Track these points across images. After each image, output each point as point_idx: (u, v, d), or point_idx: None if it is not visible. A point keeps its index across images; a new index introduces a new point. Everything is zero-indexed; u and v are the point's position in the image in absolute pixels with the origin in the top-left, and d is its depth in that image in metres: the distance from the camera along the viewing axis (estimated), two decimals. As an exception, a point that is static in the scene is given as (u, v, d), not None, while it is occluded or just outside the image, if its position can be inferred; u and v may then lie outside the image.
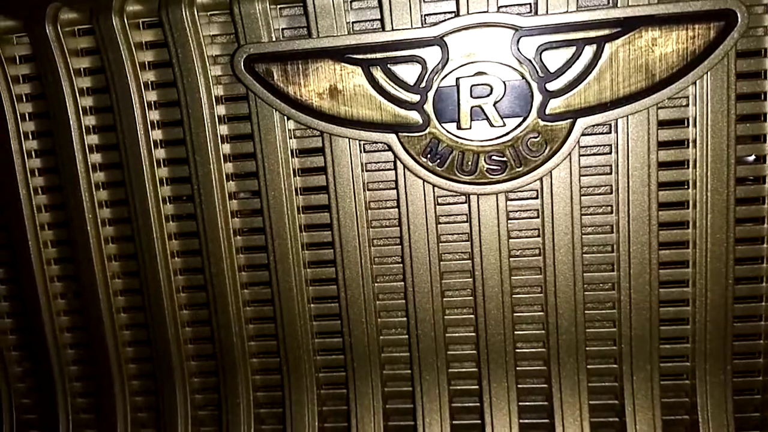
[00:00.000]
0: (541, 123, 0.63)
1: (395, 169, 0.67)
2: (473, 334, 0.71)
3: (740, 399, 0.70)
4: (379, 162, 0.67)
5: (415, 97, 0.64)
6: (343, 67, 0.64)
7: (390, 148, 0.66)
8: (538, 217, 0.67)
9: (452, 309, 0.71)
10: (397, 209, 0.68)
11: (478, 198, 0.67)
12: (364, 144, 0.67)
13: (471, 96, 0.63)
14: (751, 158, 0.66)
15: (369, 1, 0.64)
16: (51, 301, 0.77)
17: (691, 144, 0.64)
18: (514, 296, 0.69)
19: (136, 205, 0.71)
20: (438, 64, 0.63)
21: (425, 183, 0.67)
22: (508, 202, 0.67)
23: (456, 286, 0.70)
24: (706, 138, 0.63)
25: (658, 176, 0.65)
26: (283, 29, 0.66)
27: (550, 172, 0.65)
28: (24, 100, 0.73)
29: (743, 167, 0.65)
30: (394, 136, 0.65)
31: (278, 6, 0.65)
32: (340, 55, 0.64)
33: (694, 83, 0.62)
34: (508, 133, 0.64)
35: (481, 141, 0.64)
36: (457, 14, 0.63)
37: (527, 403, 0.72)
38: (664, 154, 0.64)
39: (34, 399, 0.83)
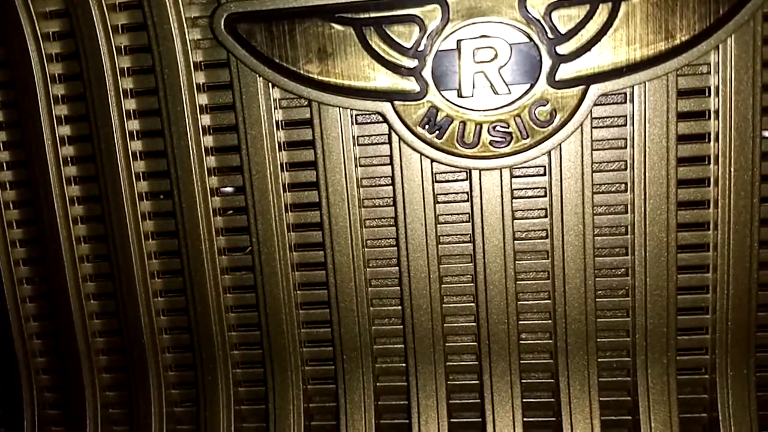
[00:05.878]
0: (551, 90, 0.59)
1: (390, 142, 0.63)
2: (473, 324, 0.68)
3: (764, 395, 0.67)
4: (372, 135, 0.64)
5: (412, 62, 0.60)
6: (334, 27, 0.60)
7: (384, 119, 0.62)
8: (545, 195, 0.64)
9: (451, 296, 0.67)
10: (391, 187, 0.65)
11: (480, 173, 0.63)
12: (356, 114, 0.64)
13: (473, 60, 0.59)
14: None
15: (362, -44, 0.61)
16: (16, 286, 0.74)
17: (713, 115, 0.61)
18: (518, 282, 0.66)
19: (107, 181, 0.68)
20: (437, 25, 0.59)
21: (422, 157, 0.63)
22: (513, 179, 0.63)
23: (455, 271, 0.67)
24: (729, 109, 0.60)
25: (677, 151, 0.61)
26: (268, -13, 0.62)
27: (560, 145, 0.61)
28: (-14, 67, 0.70)
29: (769, 142, 0.62)
30: (388, 104, 0.61)
31: (262, -39, 0.62)
32: (330, 14, 0.60)
33: (717, 48, 0.59)
34: (513, 102, 0.60)
35: (484, 110, 0.61)
36: (458, -30, 0.59)
37: (532, 400, 0.69)
38: (683, 126, 0.61)
39: (-4, 393, 0.80)
